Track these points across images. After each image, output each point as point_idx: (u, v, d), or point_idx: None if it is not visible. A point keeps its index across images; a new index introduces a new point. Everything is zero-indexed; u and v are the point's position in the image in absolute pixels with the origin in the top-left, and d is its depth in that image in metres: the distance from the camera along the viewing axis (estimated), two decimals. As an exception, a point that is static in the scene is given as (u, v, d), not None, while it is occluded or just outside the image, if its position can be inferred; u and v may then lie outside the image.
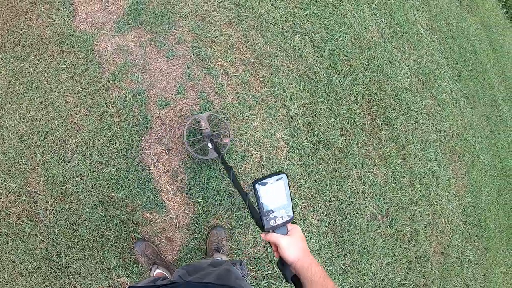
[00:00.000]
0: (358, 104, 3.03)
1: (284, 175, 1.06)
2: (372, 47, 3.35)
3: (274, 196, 1.06)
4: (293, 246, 1.04)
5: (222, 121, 2.49)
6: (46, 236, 2.22)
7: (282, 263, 1.06)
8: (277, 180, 1.05)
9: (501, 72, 5.20)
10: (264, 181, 1.04)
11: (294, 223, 1.19)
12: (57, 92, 2.41)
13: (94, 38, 2.57)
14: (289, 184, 1.10)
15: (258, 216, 1.14)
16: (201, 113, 2.47)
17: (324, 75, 2.97)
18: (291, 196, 1.09)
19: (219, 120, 2.51)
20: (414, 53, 3.72)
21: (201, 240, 2.34)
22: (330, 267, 2.58)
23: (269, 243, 1.11)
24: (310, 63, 2.95)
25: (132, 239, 2.28)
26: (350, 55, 3.16)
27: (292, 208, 1.09)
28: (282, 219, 1.07)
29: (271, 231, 1.08)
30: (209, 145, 2.23)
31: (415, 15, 4.02)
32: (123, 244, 2.27)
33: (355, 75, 3.10)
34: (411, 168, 3.13)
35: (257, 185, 1.03)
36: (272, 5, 3.01)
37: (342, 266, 2.62)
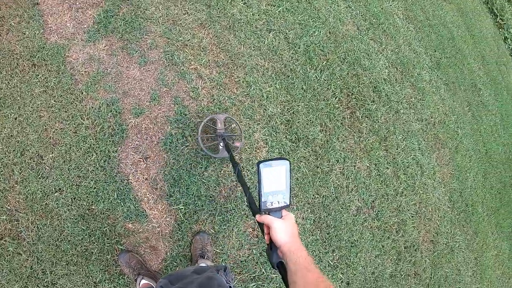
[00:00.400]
0: (337, 99, 3.01)
1: (287, 162, 1.12)
2: (348, 40, 3.35)
3: (275, 180, 1.11)
4: (284, 229, 1.08)
5: (238, 125, 2.50)
6: (30, 254, 2.17)
7: (271, 248, 1.10)
8: (280, 165, 1.11)
9: (480, 57, 5.24)
10: (268, 162, 1.10)
11: None
12: (31, 107, 2.36)
13: (65, 49, 2.52)
14: (290, 171, 1.14)
15: (256, 207, 1.23)
16: (218, 113, 2.48)
17: (300, 71, 2.95)
18: (290, 184, 1.14)
19: (235, 123, 2.52)
20: (391, 44, 3.72)
21: (185, 247, 2.31)
22: (319, 264, 2.57)
23: (261, 228, 1.17)
24: (285, 60, 2.93)
25: (116, 250, 2.24)
26: (326, 49, 3.15)
27: (290, 196, 1.15)
28: (278, 203, 1.12)
29: (266, 213, 1.13)
30: (221, 144, 2.28)
31: (390, 5, 4.02)
32: (107, 256, 2.23)
33: (332, 70, 3.09)
34: (394, 159, 3.13)
35: (261, 165, 1.09)
36: (244, 4, 2.98)
37: (330, 262, 2.61)
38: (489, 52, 5.61)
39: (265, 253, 1.18)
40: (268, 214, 1.13)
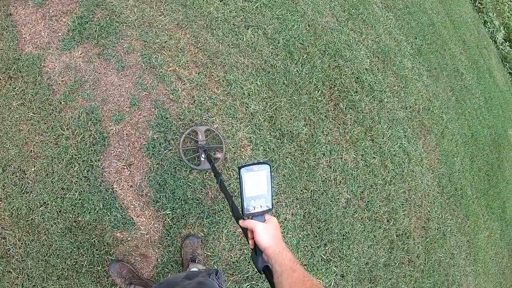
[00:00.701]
0: (319, 92, 3.00)
1: (268, 166, 1.14)
2: (328, 32, 3.33)
3: (257, 184, 1.13)
4: (268, 232, 1.09)
5: (219, 136, 2.49)
6: (20, 272, 2.13)
7: (256, 253, 1.11)
8: (261, 169, 1.13)
9: (460, 42, 5.28)
10: (249, 167, 1.11)
11: None
12: (10, 122, 2.31)
13: (41, 59, 2.46)
14: (271, 175, 1.15)
15: (238, 213, 1.24)
16: (199, 125, 2.48)
17: (281, 66, 2.93)
18: (272, 188, 1.16)
19: (216, 135, 2.51)
20: (371, 33, 3.72)
21: (175, 253, 2.29)
22: (311, 259, 2.56)
23: (245, 233, 1.18)
24: (265, 56, 2.91)
25: (106, 261, 2.21)
26: (306, 42, 3.13)
27: (272, 200, 1.16)
28: (261, 207, 1.14)
29: (249, 217, 1.14)
30: (203, 156, 2.29)
31: (368, -5, 4.02)
32: (98, 268, 2.19)
33: (313, 63, 3.08)
34: (380, 148, 3.13)
35: (242, 170, 1.10)
36: (220, 1, 2.95)
37: (323, 256, 2.61)
38: (469, 36, 5.67)
39: (251, 259, 1.18)
40: (251, 219, 1.14)
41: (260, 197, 1.14)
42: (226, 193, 1.57)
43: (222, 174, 2.46)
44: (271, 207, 1.15)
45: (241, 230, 1.28)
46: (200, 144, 2.36)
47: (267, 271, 1.09)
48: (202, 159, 2.33)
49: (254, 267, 2.38)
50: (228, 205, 1.51)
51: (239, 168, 1.11)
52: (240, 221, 1.17)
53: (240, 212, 1.17)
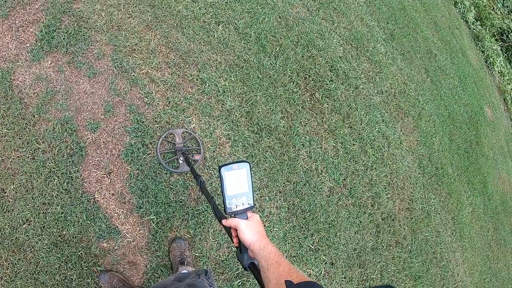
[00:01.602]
0: (294, 83, 3.01)
1: (247, 164, 1.16)
2: (299, 22, 3.34)
3: (237, 182, 1.15)
4: (251, 229, 1.10)
5: (196, 138, 2.49)
6: (9, 292, 2.09)
7: (241, 251, 1.12)
8: (240, 167, 1.15)
9: (432, 24, 5.36)
10: (229, 166, 1.13)
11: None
12: (-17, 140, 2.25)
13: (10, 73, 2.39)
14: (251, 173, 1.17)
15: (220, 213, 1.28)
16: (176, 128, 2.47)
17: (254, 60, 2.93)
18: (252, 184, 1.18)
19: (193, 137, 2.50)
20: (343, 21, 3.74)
21: (164, 257, 2.27)
22: (299, 250, 2.58)
23: (228, 233, 1.20)
24: (237, 51, 2.90)
25: (95, 272, 2.18)
26: (278, 35, 3.13)
27: (253, 197, 1.18)
28: (243, 205, 1.15)
29: (232, 216, 1.16)
30: (181, 159, 2.30)
31: (337, -17, 4.04)
32: (88, 280, 2.16)
33: (287, 54, 3.08)
34: (359, 134, 3.17)
35: (222, 169, 1.12)
36: (189, -1, 2.92)
37: (311, 246, 2.63)
38: (440, 18, 5.75)
39: (236, 257, 1.20)
40: (234, 217, 1.15)
41: (242, 195, 1.15)
42: (207, 194, 1.58)
43: (203, 174, 2.46)
44: (252, 205, 1.17)
45: (225, 230, 1.30)
46: (177, 147, 2.36)
47: (253, 268, 1.11)
48: (181, 161, 2.34)
49: (235, 256, 2.40)
50: (210, 206, 1.51)
51: (219, 168, 1.13)
52: (223, 221, 1.18)
53: (223, 211, 1.19)
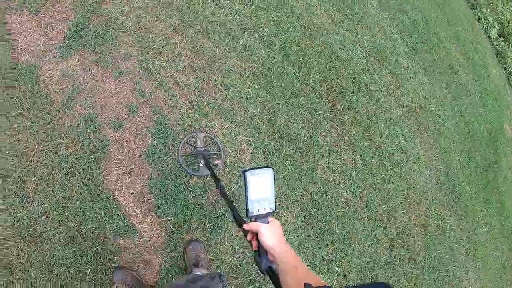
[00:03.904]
0: (317, 93, 3.02)
1: (272, 170, 1.17)
2: (323, 33, 3.35)
3: (261, 187, 1.15)
4: (272, 233, 1.11)
5: (217, 143, 2.50)
6: (23, 282, 2.10)
7: (259, 254, 1.12)
8: (265, 172, 1.16)
9: (455, 39, 5.31)
10: (254, 170, 1.14)
11: None
12: (8, 132, 2.29)
13: (37, 68, 2.45)
14: (275, 179, 1.18)
15: (240, 218, 1.28)
16: (198, 132, 2.49)
17: (278, 69, 2.94)
18: (275, 190, 1.18)
19: (214, 142, 2.52)
20: (366, 33, 3.74)
21: (178, 258, 2.29)
22: (313, 260, 2.57)
23: (247, 237, 1.19)
24: (262, 59, 2.92)
25: (110, 269, 2.20)
26: (302, 44, 3.15)
27: (275, 203, 1.18)
28: (264, 210, 1.16)
29: (253, 220, 1.16)
30: (202, 162, 2.28)
31: (362, -6, 4.04)
32: (102, 276, 2.19)
33: (310, 64, 3.09)
34: (378, 147, 3.15)
35: (247, 173, 1.13)
36: (216, 5, 2.96)
37: (324, 256, 2.62)
38: (463, 32, 5.70)
39: (254, 260, 1.20)
40: (255, 221, 1.16)
41: (264, 200, 1.16)
42: (227, 199, 1.58)
43: (222, 178, 2.47)
44: (274, 209, 1.18)
45: (243, 234, 1.30)
46: (199, 150, 2.37)
47: (271, 272, 1.10)
48: (201, 165, 2.33)
49: (257, 269, 2.40)
50: (230, 210, 1.52)
51: (244, 172, 1.14)
52: (244, 225, 1.19)
53: (244, 215, 1.19)
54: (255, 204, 1.15)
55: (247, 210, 1.15)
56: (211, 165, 2.29)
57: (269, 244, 1.09)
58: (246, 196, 1.15)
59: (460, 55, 5.16)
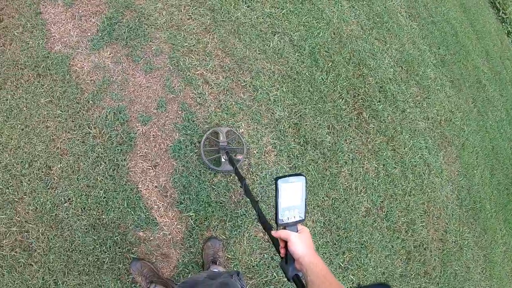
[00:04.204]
0: (343, 100, 3.01)
1: (303, 178, 1.15)
2: (353, 40, 3.34)
3: (292, 195, 1.14)
4: (302, 242, 1.10)
5: (240, 138, 2.52)
6: (41, 265, 2.17)
7: (286, 262, 1.12)
8: (297, 180, 1.14)
9: (484, 53, 5.21)
10: (286, 178, 1.12)
11: None
12: (37, 118, 2.36)
13: (69, 58, 2.51)
14: (307, 187, 1.17)
15: (266, 222, 1.29)
16: (221, 126, 2.51)
17: (307, 73, 2.95)
18: (306, 199, 1.16)
19: (237, 136, 2.53)
20: (395, 42, 3.71)
21: (196, 254, 2.32)
22: (329, 266, 2.56)
23: (274, 243, 1.21)
24: (291, 63, 2.93)
25: (128, 259, 2.24)
26: (331, 50, 3.14)
27: (305, 211, 1.17)
28: (294, 218, 1.14)
29: (282, 227, 1.15)
30: (224, 157, 2.31)
31: (393, 3, 4.01)
32: (119, 265, 2.23)
33: (338, 71, 3.09)
34: (402, 158, 3.12)
35: (279, 181, 1.11)
36: (248, 7, 2.98)
37: (341, 264, 2.61)
38: (492, 47, 5.59)
39: (280, 267, 1.20)
40: (284, 229, 1.14)
41: (294, 208, 1.14)
42: (251, 198, 1.59)
43: (246, 178, 2.49)
44: (303, 218, 1.16)
45: (269, 239, 1.29)
46: (221, 145, 2.38)
47: (297, 280, 1.10)
48: (223, 160, 2.34)
49: (273, 272, 2.41)
50: (255, 211, 1.51)
51: (276, 179, 1.12)
52: (273, 232, 1.18)
53: (271, 221, 1.19)
54: (285, 211, 1.13)
55: (276, 217, 1.14)
56: (234, 160, 2.30)
57: (299, 253, 1.07)
58: (276, 203, 1.13)
59: (488, 70, 5.07)
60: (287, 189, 1.12)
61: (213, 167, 2.38)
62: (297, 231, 1.14)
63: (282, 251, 1.14)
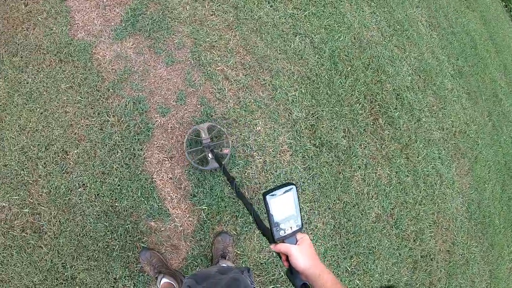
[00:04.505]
0: (360, 105, 3.01)
1: (293, 187, 1.08)
2: (372, 46, 3.33)
3: (284, 207, 1.07)
4: (303, 254, 1.05)
5: (223, 131, 2.47)
6: (51, 248, 2.20)
7: (292, 272, 1.07)
8: (286, 191, 1.06)
9: (502, 67, 5.17)
10: (274, 192, 1.05)
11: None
12: (57, 103, 2.39)
13: (92, 46, 2.54)
14: (298, 194, 1.11)
15: (263, 225, 1.20)
16: (201, 123, 2.46)
17: (326, 76, 2.95)
18: (300, 205, 1.11)
19: (219, 130, 2.48)
20: (414, 51, 3.70)
21: (206, 247, 2.33)
22: (336, 269, 2.57)
23: (278, 254, 1.12)
24: (311, 64, 2.94)
25: (138, 248, 2.27)
26: (351, 55, 3.14)
27: (301, 218, 1.11)
28: (291, 229, 1.08)
29: (280, 241, 1.09)
30: (209, 155, 2.26)
31: (414, 12, 4.00)
32: (129, 253, 2.25)
33: (357, 75, 3.09)
34: (414, 167, 3.12)
35: (267, 197, 1.04)
36: (271, 7, 2.99)
37: (348, 268, 2.61)
38: (511, 61, 5.54)
39: (286, 276, 1.16)
40: (283, 242, 1.09)
41: (289, 219, 1.08)
42: (244, 200, 1.52)
43: (260, 177, 2.50)
44: (301, 226, 1.11)
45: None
46: (204, 143, 2.30)
47: None
48: (209, 158, 2.28)
49: (280, 270, 2.42)
50: (250, 215, 1.41)
51: (264, 195, 1.05)
52: (272, 246, 1.12)
53: (270, 235, 1.10)
54: (280, 225, 1.07)
55: (272, 234, 1.08)
56: (219, 157, 2.26)
57: (302, 266, 1.03)
58: (269, 220, 1.06)
59: (505, 84, 5.03)
60: (277, 203, 1.06)
61: (201, 167, 2.33)
62: (296, 241, 1.09)
63: (286, 263, 1.09)
